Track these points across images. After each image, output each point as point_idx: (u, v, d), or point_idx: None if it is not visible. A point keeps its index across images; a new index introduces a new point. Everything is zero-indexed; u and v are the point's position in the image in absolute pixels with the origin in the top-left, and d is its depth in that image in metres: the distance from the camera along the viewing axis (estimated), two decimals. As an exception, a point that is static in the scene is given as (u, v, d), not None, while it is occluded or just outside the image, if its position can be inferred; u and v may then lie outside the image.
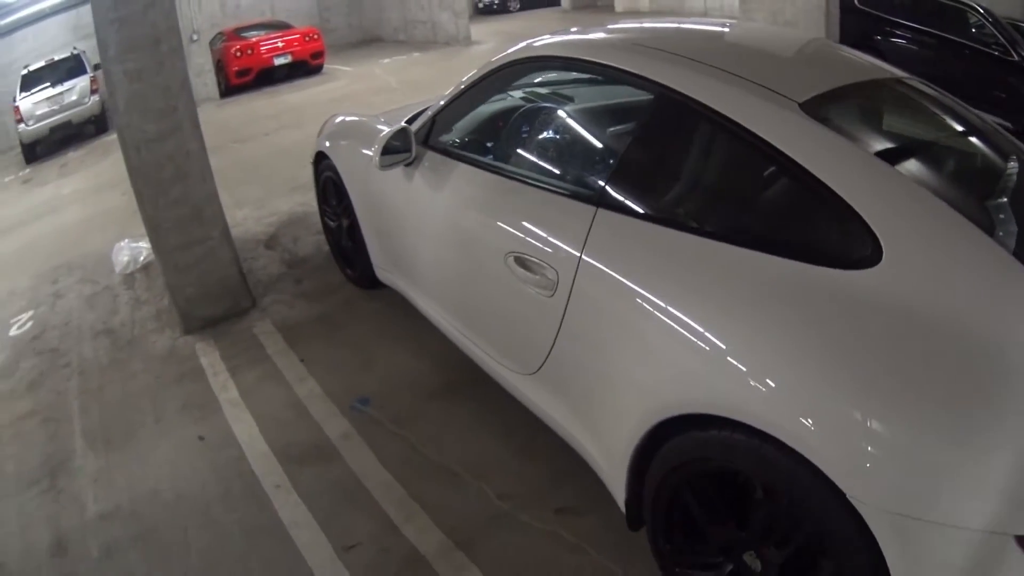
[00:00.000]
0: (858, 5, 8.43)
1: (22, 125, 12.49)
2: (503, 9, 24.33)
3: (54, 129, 12.69)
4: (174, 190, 3.91)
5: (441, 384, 3.21)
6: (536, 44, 2.65)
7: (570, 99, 2.75)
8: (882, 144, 1.90)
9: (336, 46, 19.47)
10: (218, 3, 19.05)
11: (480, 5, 25.04)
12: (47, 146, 12.81)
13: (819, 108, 1.84)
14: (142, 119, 3.75)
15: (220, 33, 15.27)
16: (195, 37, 14.01)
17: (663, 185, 2.07)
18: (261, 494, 2.72)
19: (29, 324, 4.85)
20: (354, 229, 3.86)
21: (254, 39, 14.13)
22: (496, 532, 2.37)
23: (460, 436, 2.86)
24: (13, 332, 4.78)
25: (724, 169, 1.99)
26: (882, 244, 1.56)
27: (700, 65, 2.06)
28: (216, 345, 3.94)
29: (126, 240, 5.55)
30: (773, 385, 1.54)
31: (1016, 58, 7.16)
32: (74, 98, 12.92)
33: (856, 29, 8.20)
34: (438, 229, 2.90)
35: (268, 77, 14.06)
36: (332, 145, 3.97)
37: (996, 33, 7.32)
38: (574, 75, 2.60)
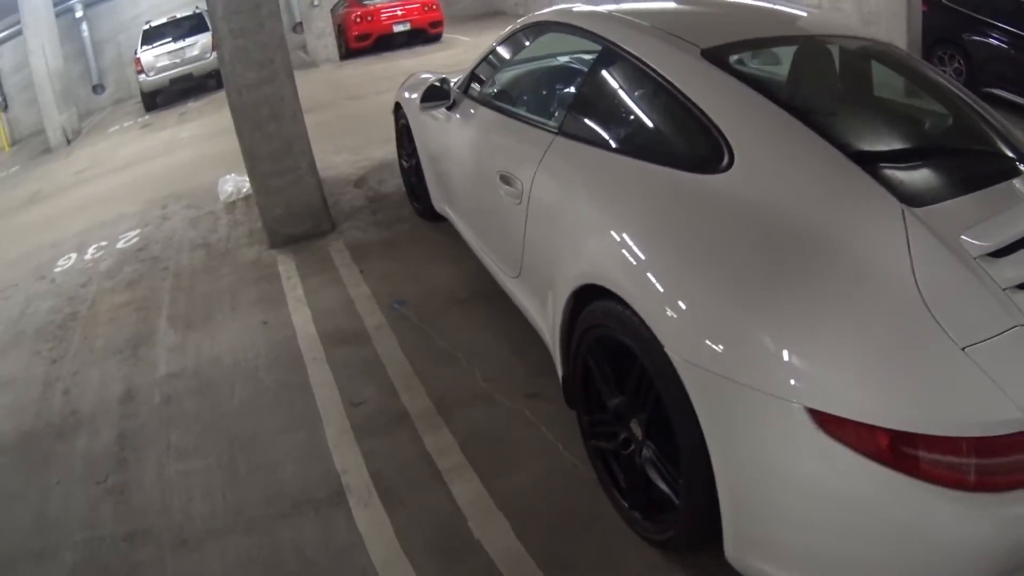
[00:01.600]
0: (946, 2, 8.09)
1: (143, 76, 13.46)
2: None
3: (174, 80, 13.62)
4: (269, 127, 4.57)
5: (467, 294, 3.67)
6: (539, 13, 3.23)
7: (556, 54, 3.40)
8: (764, 80, 2.26)
9: (459, 17, 20.01)
10: None
11: None
12: (167, 96, 13.81)
13: (719, 52, 2.24)
14: (244, 68, 4.42)
15: None
16: (316, 3, 14.83)
17: (593, 115, 2.58)
18: (300, 363, 3.30)
19: (136, 239, 5.70)
20: (419, 168, 4.39)
21: (374, 6, 14.75)
22: (472, 405, 2.82)
23: (469, 332, 3.32)
24: (120, 245, 5.64)
25: (631, 99, 2.47)
26: (735, 153, 1.92)
27: (640, 24, 2.53)
28: (294, 257, 4.58)
29: (232, 174, 6.30)
30: (630, 260, 1.93)
31: None
32: (196, 53, 13.83)
33: (944, 24, 8.04)
34: (464, 160, 3.44)
35: (387, 43, 14.65)
36: (406, 97, 4.55)
37: None
38: (564, 36, 3.05)
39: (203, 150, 8.44)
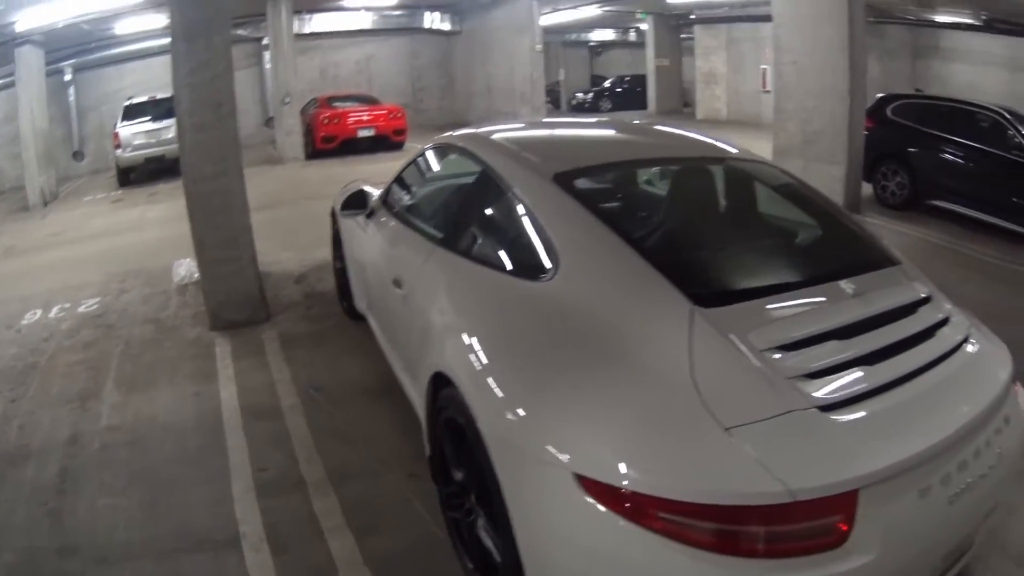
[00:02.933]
0: (891, 116, 8.83)
1: (119, 151, 13.89)
2: (595, 108, 26.03)
3: (149, 160, 13.98)
4: (218, 217, 5.25)
5: (376, 385, 4.30)
6: (441, 136, 3.82)
7: (456, 173, 3.67)
8: (600, 200, 2.71)
9: (425, 126, 20.87)
10: (319, 70, 21.09)
11: (574, 102, 27.16)
12: (140, 174, 14.28)
13: (568, 176, 2.63)
14: (201, 160, 5.12)
15: (314, 99, 16.74)
16: (287, 100, 15.54)
17: (464, 228, 3.00)
18: (221, 430, 3.93)
19: (96, 306, 6.37)
20: (345, 270, 4.96)
21: (343, 110, 15.58)
22: (360, 479, 3.41)
23: (370, 418, 3.96)
24: (82, 309, 6.32)
25: (493, 214, 2.93)
26: (561, 264, 2.27)
27: (510, 149, 3.03)
28: (230, 341, 5.21)
29: (187, 259, 6.96)
30: (461, 350, 2.31)
31: None
32: (170, 136, 13.79)
33: (889, 139, 8.69)
34: (375, 263, 3.92)
35: (352, 146, 15.28)
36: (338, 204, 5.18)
37: (1018, 135, 7.48)
38: (456, 155, 3.52)
39: (167, 232, 9.06)
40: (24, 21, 11.74)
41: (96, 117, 18.06)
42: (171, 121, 13.87)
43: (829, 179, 8.20)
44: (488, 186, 2.93)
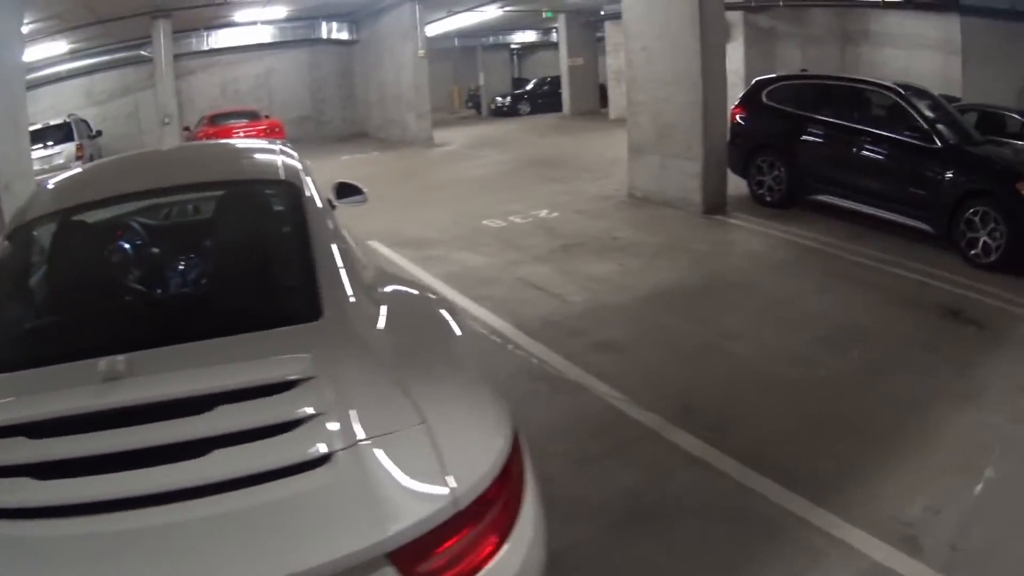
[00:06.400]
0: (766, 102, 7.86)
1: None
2: (513, 112, 25.36)
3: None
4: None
5: None
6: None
7: None
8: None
9: (327, 137, 20.41)
10: (219, 88, 20.47)
11: (493, 107, 26.36)
12: None
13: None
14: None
15: (202, 117, 16.56)
16: (167, 120, 15.28)
17: None
18: None
19: None
20: None
21: (223, 127, 15.29)
22: None
23: None
24: None
25: None
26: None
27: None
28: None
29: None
30: None
31: (938, 144, 6.28)
32: (61, 161, 13.59)
33: (766, 128, 7.74)
34: None
35: None
36: None
37: (915, 116, 6.52)
38: None
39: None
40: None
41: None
42: (63, 147, 13.97)
43: (685, 176, 7.34)
44: None
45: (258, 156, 2.95)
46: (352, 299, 2.01)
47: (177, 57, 18.18)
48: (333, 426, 1.49)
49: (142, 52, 17.28)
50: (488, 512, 1.43)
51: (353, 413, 1.52)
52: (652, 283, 5.58)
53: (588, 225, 7.52)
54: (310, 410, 1.52)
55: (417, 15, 16.79)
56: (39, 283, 2.33)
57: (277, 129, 15.43)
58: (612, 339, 4.45)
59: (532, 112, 25.09)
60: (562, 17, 22.26)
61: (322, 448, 1.44)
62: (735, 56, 14.75)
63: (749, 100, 7.96)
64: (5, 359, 1.85)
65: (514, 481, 1.53)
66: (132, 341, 1.78)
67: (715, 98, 7.27)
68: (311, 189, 2.42)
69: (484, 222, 7.96)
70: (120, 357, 1.60)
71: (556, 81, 24.98)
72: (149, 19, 15.69)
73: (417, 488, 1.42)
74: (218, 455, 1.39)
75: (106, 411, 1.48)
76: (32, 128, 13.78)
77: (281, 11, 18.25)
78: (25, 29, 13.25)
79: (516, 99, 26.13)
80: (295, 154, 2.77)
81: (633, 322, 4.80)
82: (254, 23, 19.16)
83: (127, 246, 2.57)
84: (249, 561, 1.28)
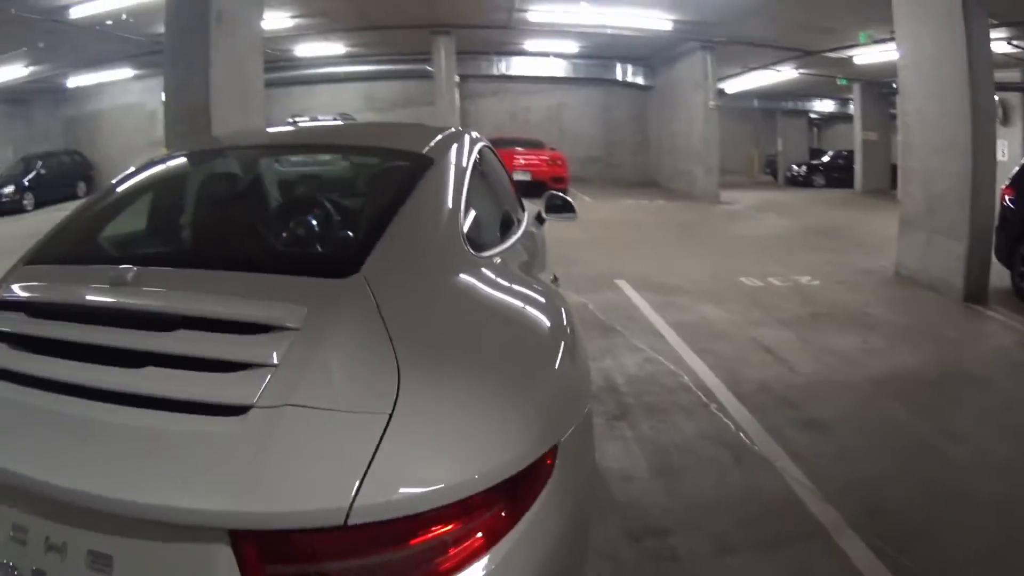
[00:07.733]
0: None
1: None
2: (807, 183, 24.68)
3: None
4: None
5: None
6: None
7: None
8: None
9: (616, 181, 20.68)
10: (508, 115, 21.47)
11: (788, 175, 25.76)
12: None
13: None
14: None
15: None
16: None
17: None
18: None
19: None
20: None
21: (506, 151, 15.14)
22: None
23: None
24: None
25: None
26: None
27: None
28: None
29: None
30: None
31: None
32: None
33: None
34: None
35: None
36: None
37: None
38: None
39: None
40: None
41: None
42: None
43: (949, 257, 6.62)
44: None
45: (419, 133, 2.79)
46: (411, 267, 1.76)
47: (465, 78, 19.07)
48: (275, 381, 1.30)
49: (427, 67, 17.51)
50: (394, 545, 1.15)
51: (310, 377, 1.32)
52: (888, 365, 5.15)
53: (844, 297, 7.18)
54: (263, 359, 1.35)
55: (708, 64, 16.70)
56: (153, 199, 2.50)
57: (559, 162, 15.67)
58: (823, 418, 4.15)
59: (826, 185, 24.19)
60: (857, 87, 21.15)
61: (245, 398, 1.27)
62: (1015, 140, 13.60)
63: (1021, 180, 7.04)
64: (59, 254, 1.98)
65: (462, 535, 1.19)
66: (161, 257, 2.10)
67: (984, 170, 6.48)
68: (457, 165, 2.31)
69: (741, 279, 7.95)
70: (132, 268, 1.66)
71: (851, 156, 23.66)
72: (429, 34, 15.90)
73: (314, 479, 1.16)
74: (150, 371, 1.36)
75: (86, 307, 1.60)
76: (298, 119, 14.89)
77: (573, 46, 18.59)
78: (291, 23, 14.08)
79: (811, 169, 25.37)
80: (476, 136, 2.83)
81: (853, 404, 4.43)
82: (546, 54, 19.65)
83: (236, 179, 2.66)
84: (110, 471, 1.21)
